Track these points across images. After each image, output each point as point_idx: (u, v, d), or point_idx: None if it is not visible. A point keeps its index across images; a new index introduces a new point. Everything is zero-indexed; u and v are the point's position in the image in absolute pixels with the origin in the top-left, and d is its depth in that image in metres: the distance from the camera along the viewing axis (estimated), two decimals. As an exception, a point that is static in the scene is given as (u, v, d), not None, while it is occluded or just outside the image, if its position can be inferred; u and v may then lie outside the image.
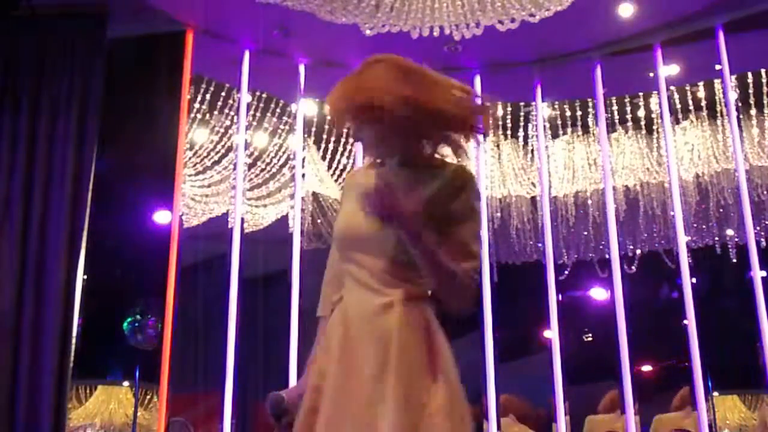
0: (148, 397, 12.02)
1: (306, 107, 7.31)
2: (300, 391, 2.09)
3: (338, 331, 1.97)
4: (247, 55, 6.70)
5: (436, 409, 1.84)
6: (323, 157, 7.85)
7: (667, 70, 6.96)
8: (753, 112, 7.39)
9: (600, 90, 6.91)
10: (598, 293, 10.29)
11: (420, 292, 1.97)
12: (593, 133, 7.93)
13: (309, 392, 2.00)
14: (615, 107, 7.66)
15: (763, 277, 6.18)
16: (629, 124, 8.02)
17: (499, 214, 8.48)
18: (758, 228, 7.94)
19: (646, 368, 11.90)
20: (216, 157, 7.50)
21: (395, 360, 1.86)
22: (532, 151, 8.10)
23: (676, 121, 7.81)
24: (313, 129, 7.60)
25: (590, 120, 7.79)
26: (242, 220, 7.09)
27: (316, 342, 2.16)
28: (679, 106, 7.58)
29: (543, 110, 7.56)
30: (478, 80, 7.13)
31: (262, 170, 7.78)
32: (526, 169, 8.33)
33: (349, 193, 2.12)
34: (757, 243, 6.93)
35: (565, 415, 6.63)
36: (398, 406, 1.81)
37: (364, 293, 1.97)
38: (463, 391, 1.92)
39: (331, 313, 2.06)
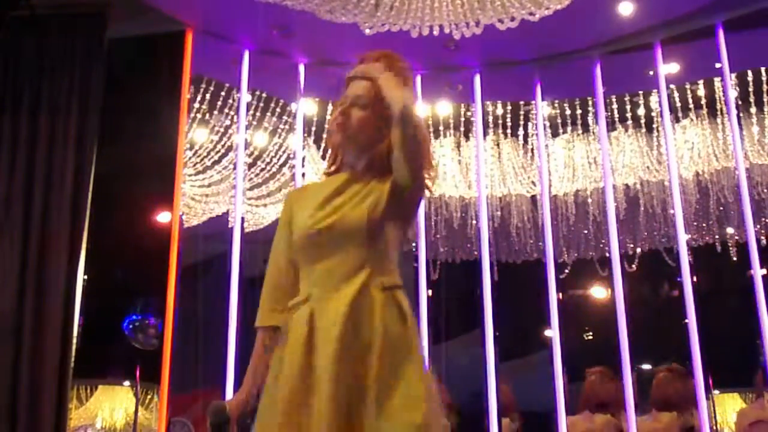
0: (149, 397, 12.03)
1: (306, 107, 7.30)
2: (241, 397, 2.15)
3: (303, 330, 2.02)
4: (247, 55, 6.69)
5: (419, 391, 1.92)
6: (323, 157, 7.83)
7: (667, 68, 6.96)
8: (753, 110, 7.38)
9: (600, 88, 6.89)
10: (598, 292, 10.30)
11: (393, 281, 2.06)
12: (593, 132, 7.93)
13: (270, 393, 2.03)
14: (615, 106, 7.65)
15: (763, 276, 6.17)
16: (629, 122, 8.01)
17: (499, 213, 8.48)
18: (758, 226, 7.94)
19: (647, 367, 11.89)
20: (216, 157, 7.49)
21: (379, 339, 1.94)
22: (532, 149, 8.09)
23: (676, 120, 7.80)
24: (313, 129, 7.59)
25: (590, 118, 7.78)
26: (242, 220, 7.08)
27: (255, 353, 2.23)
28: (679, 104, 7.56)
29: (543, 109, 7.55)
30: (477, 79, 7.14)
31: (262, 170, 7.77)
32: (526, 167, 8.33)
33: (304, 203, 2.18)
34: (758, 241, 6.93)
35: (566, 414, 6.61)
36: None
37: (339, 283, 2.02)
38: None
39: (279, 319, 2.16)
